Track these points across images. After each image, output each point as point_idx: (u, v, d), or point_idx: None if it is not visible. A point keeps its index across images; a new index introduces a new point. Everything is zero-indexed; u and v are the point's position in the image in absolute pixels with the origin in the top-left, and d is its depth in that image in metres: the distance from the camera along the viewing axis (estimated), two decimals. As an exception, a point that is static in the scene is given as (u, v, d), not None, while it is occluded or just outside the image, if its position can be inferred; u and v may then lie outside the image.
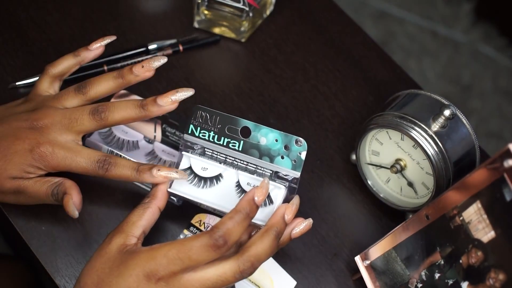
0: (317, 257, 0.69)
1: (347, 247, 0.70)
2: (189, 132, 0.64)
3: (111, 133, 0.70)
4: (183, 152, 0.64)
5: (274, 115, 0.77)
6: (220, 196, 0.63)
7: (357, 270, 0.67)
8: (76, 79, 0.75)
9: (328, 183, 0.74)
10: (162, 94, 0.63)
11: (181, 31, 0.80)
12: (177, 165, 0.64)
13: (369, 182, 0.72)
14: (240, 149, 0.63)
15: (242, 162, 0.63)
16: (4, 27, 0.78)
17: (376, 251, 0.65)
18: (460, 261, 0.56)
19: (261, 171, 0.63)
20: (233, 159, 0.64)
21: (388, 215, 0.72)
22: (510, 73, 1.69)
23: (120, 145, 0.70)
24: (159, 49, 0.78)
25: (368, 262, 0.66)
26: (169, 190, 0.62)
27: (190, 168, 0.64)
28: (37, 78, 0.74)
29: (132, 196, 0.69)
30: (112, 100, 0.73)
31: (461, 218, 0.55)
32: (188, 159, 0.64)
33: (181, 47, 0.79)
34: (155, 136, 0.72)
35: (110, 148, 0.69)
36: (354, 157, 0.73)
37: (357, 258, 0.67)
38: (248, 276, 0.55)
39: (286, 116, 0.77)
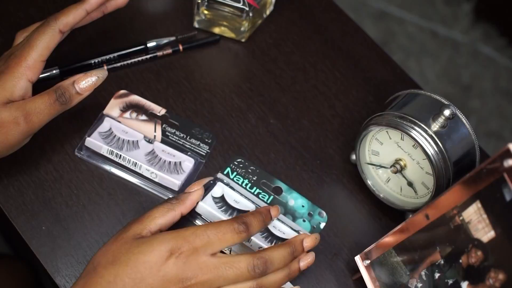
0: (317, 257, 0.69)
1: (347, 247, 0.70)
2: (225, 173, 0.70)
3: (111, 133, 0.70)
4: (219, 182, 0.68)
5: (274, 115, 0.77)
6: None
7: (357, 270, 0.67)
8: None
9: (328, 183, 0.73)
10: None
11: (181, 31, 0.80)
12: (207, 189, 0.66)
13: (369, 182, 0.72)
14: (268, 202, 0.69)
15: None
16: (4, 27, 0.78)
17: (376, 251, 0.65)
18: (460, 261, 0.56)
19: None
20: (257, 207, 0.67)
21: (388, 215, 0.72)
22: (510, 73, 1.69)
23: (120, 145, 0.70)
24: (158, 47, 0.78)
25: (368, 262, 0.66)
26: (200, 203, 0.65)
27: (222, 197, 0.67)
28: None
29: (132, 196, 0.69)
30: (113, 100, 0.73)
31: (461, 218, 0.55)
32: (222, 189, 0.68)
33: (181, 47, 0.79)
34: (155, 136, 0.72)
35: (110, 148, 0.69)
36: (354, 157, 0.73)
37: (357, 258, 0.67)
38: (259, 275, 0.58)
39: (286, 116, 0.77)
